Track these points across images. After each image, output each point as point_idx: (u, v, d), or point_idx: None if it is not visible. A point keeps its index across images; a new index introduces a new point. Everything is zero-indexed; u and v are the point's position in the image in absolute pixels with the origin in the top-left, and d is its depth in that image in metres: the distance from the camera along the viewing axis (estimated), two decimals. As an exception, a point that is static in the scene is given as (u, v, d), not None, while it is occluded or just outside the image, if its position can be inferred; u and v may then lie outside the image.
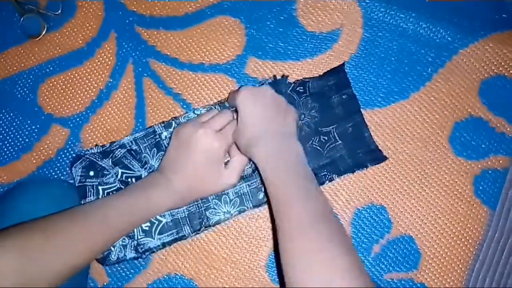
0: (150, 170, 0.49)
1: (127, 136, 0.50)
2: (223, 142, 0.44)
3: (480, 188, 0.49)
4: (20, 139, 0.53)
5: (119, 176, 0.48)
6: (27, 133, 0.53)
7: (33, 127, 0.53)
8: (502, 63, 0.51)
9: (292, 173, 0.38)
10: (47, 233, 0.36)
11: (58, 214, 0.39)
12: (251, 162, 0.48)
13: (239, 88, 0.45)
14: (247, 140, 0.41)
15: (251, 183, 0.49)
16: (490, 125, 0.50)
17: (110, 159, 0.49)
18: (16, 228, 0.36)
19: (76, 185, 0.48)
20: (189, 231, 0.48)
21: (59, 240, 0.37)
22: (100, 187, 0.48)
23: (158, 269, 0.50)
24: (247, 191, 0.49)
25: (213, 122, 0.45)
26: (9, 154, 0.53)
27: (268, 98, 0.43)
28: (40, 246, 0.35)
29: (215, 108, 0.50)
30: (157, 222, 0.48)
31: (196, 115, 0.50)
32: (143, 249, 0.47)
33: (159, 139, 0.50)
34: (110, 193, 0.48)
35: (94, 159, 0.49)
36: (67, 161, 0.52)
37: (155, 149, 0.50)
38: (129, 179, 0.49)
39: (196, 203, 0.48)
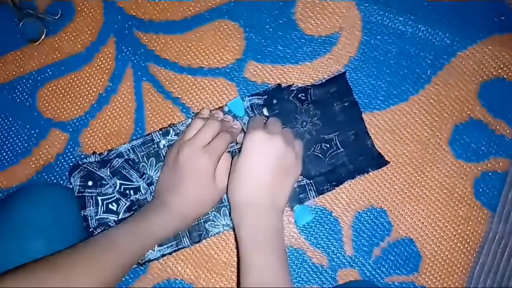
0: (148, 181, 0.49)
1: (124, 143, 0.50)
2: (211, 157, 0.43)
3: (480, 190, 0.49)
4: (19, 144, 0.53)
5: (117, 188, 0.48)
6: (26, 137, 0.53)
7: (32, 131, 0.53)
8: (501, 65, 0.51)
9: (269, 250, 0.40)
10: (59, 269, 0.36)
11: (66, 250, 0.39)
12: None
13: (250, 126, 0.44)
14: (237, 196, 0.41)
15: None
16: (490, 127, 0.50)
17: (108, 169, 0.49)
18: (27, 267, 0.36)
19: (76, 195, 0.48)
20: (188, 243, 0.48)
21: (73, 274, 0.36)
22: (99, 198, 0.48)
23: (157, 274, 0.50)
24: None
25: (198, 138, 0.43)
26: (8, 159, 0.53)
27: (279, 150, 0.41)
28: (54, 283, 0.35)
29: None
30: None
31: None
32: (143, 261, 0.48)
33: (157, 148, 0.49)
34: (109, 204, 0.48)
35: (92, 169, 0.49)
36: (66, 166, 0.52)
37: (153, 159, 0.49)
38: (128, 191, 0.49)
39: None
